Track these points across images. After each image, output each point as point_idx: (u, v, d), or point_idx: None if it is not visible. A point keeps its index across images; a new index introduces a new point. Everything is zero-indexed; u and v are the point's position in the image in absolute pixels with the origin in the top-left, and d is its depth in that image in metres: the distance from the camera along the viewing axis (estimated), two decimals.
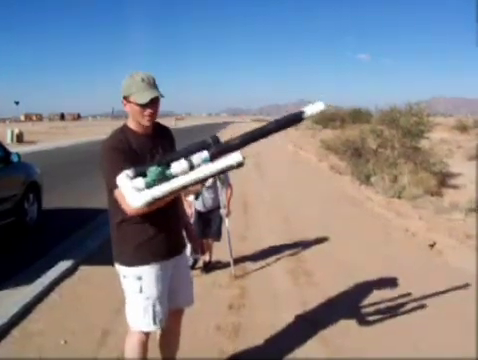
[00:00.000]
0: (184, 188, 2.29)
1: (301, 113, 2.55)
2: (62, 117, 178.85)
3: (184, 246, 3.07)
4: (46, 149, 26.31)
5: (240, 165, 2.31)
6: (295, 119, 2.56)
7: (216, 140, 2.40)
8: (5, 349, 3.82)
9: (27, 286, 5.07)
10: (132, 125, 2.73)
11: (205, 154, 2.32)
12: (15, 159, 7.50)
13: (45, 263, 5.82)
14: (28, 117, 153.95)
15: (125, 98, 2.66)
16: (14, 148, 10.70)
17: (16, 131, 33.27)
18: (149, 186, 2.25)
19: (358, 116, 44.55)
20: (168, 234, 2.81)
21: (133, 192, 2.25)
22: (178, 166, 2.30)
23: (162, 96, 2.66)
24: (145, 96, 2.58)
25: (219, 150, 2.35)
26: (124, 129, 2.74)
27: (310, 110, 2.57)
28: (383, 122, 20.05)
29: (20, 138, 32.92)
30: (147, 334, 2.88)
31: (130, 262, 2.76)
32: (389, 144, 18.52)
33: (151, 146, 2.72)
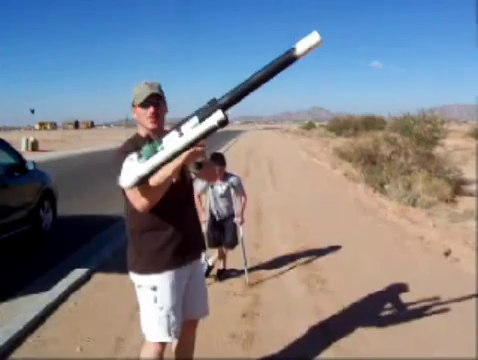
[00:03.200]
0: (171, 159, 2.18)
1: (292, 50, 2.08)
2: (76, 125, 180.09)
3: (201, 249, 3.07)
4: (60, 157, 26.52)
5: (223, 124, 2.13)
6: (287, 60, 2.09)
7: (212, 102, 2.18)
8: (21, 356, 3.85)
9: (42, 293, 5.12)
10: (142, 132, 2.78)
11: (195, 120, 2.16)
12: (30, 167, 7.58)
13: (60, 270, 5.86)
14: (42, 125, 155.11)
15: (133, 105, 2.74)
16: (29, 156, 10.77)
17: (31, 139, 33.62)
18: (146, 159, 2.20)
19: (371, 123, 44.47)
20: (184, 239, 2.80)
21: (124, 173, 2.23)
22: (169, 138, 2.20)
23: (161, 95, 2.71)
24: (143, 95, 2.64)
25: (209, 112, 2.16)
26: (135, 137, 2.80)
27: (303, 45, 2.07)
28: (396, 129, 19.94)
29: (35, 146, 33.25)
30: (163, 344, 2.86)
31: (144, 270, 2.76)
32: (403, 151, 18.42)
33: None
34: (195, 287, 2.99)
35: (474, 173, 18.89)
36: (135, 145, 2.66)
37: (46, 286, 5.30)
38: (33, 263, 6.45)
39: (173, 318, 2.79)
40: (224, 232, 5.59)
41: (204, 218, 5.46)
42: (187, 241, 2.82)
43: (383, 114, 45.92)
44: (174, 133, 2.18)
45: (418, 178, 15.14)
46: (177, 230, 2.74)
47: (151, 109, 2.66)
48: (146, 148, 2.21)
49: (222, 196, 5.49)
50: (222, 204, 5.53)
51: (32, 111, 65.11)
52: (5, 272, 6.11)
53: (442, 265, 6.38)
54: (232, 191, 5.51)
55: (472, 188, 17.66)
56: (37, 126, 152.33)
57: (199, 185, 5.26)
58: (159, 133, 2.68)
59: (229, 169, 5.66)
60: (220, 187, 5.46)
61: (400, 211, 10.54)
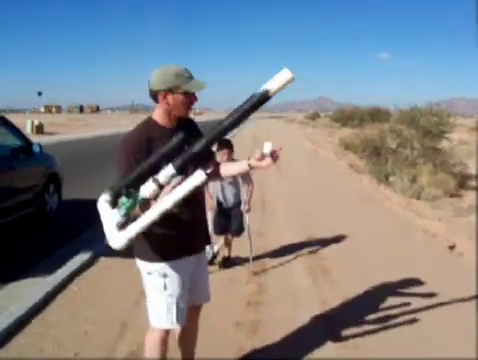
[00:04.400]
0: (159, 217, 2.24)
1: (266, 92, 2.14)
2: (81, 109, 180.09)
3: (208, 241, 3.08)
4: (66, 140, 26.54)
5: (205, 182, 2.20)
6: (260, 100, 2.16)
7: (181, 144, 2.26)
8: (25, 340, 3.85)
9: (47, 276, 5.12)
10: (158, 118, 2.68)
11: (171, 170, 2.21)
12: (37, 150, 7.56)
13: (64, 254, 5.87)
14: (48, 109, 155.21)
15: (168, 90, 2.57)
16: (34, 139, 10.72)
17: (36, 122, 33.61)
18: (125, 216, 2.28)
19: (377, 115, 44.29)
20: (194, 229, 2.81)
21: (111, 230, 2.28)
22: (147, 190, 2.24)
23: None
24: (198, 84, 2.60)
25: (183, 161, 2.22)
26: (149, 122, 2.71)
27: (275, 84, 2.14)
28: (403, 122, 19.84)
29: (40, 129, 33.25)
30: (168, 331, 2.87)
31: (155, 258, 2.73)
32: (408, 144, 18.33)
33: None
34: (200, 274, 3.00)
35: None
36: (148, 134, 2.62)
37: (50, 270, 5.30)
38: (37, 247, 6.45)
39: (182, 305, 2.79)
40: (230, 220, 5.58)
41: (211, 205, 5.45)
42: (197, 230, 2.84)
43: (388, 106, 45.77)
44: (149, 182, 2.24)
45: (423, 171, 15.09)
46: (188, 219, 2.73)
47: (195, 99, 2.65)
48: (124, 202, 2.27)
49: (230, 183, 5.47)
50: (229, 192, 5.51)
51: (39, 94, 65.17)
52: (9, 255, 6.12)
53: (447, 259, 6.36)
54: (239, 179, 5.49)
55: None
56: (42, 109, 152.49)
57: None
58: (176, 120, 2.70)
59: (234, 156, 5.63)
60: None
61: (405, 203, 10.51)
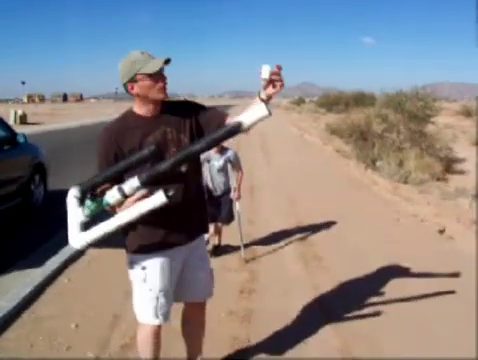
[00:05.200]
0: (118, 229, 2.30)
1: (239, 125, 2.15)
2: (65, 98, 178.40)
3: (203, 231, 2.90)
4: (50, 130, 26.25)
5: (165, 203, 2.18)
6: (232, 131, 2.16)
7: (154, 154, 2.22)
8: (16, 333, 3.78)
9: (35, 269, 5.04)
10: (137, 108, 2.58)
11: (136, 183, 2.20)
12: (21, 140, 7.44)
13: (53, 246, 5.77)
14: (31, 98, 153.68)
15: (131, 80, 2.49)
16: (17, 129, 10.52)
17: (19, 112, 33.19)
18: (89, 217, 2.31)
19: (362, 100, 44.42)
20: (181, 219, 2.62)
21: (73, 229, 2.29)
22: (111, 197, 2.25)
23: (169, 61, 2.48)
24: (155, 64, 2.43)
25: (149, 176, 2.19)
26: (127, 114, 2.62)
27: (250, 118, 2.14)
28: (388, 106, 19.90)
29: (23, 119, 32.85)
30: (159, 325, 2.73)
31: (135, 249, 2.64)
32: (395, 128, 18.40)
33: (155, 129, 2.54)
34: (193, 269, 2.84)
35: (465, 152, 18.99)
36: (125, 125, 2.55)
37: (39, 262, 5.22)
38: (24, 238, 6.37)
39: (162, 300, 2.66)
40: (220, 207, 5.52)
41: None
42: (187, 217, 2.65)
43: (373, 91, 45.91)
44: (115, 189, 2.24)
45: (410, 155, 15.16)
46: (172, 210, 2.44)
47: (163, 79, 2.49)
48: (89, 205, 2.28)
49: (219, 170, 5.40)
50: (219, 179, 5.45)
51: (23, 83, 64.41)
52: None
53: (437, 243, 6.37)
54: (229, 166, 5.43)
55: (463, 166, 17.74)
56: (25, 99, 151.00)
57: None
58: (157, 106, 2.57)
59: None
60: (217, 162, 5.37)
61: (392, 188, 10.54)
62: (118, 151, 2.51)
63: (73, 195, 2.31)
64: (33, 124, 31.90)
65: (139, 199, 2.26)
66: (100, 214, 2.35)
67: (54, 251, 5.53)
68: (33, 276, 4.81)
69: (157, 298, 2.65)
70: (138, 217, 2.24)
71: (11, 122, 30.71)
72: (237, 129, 2.15)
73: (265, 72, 2.17)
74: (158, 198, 2.17)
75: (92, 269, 5.17)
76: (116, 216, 2.28)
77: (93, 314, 4.13)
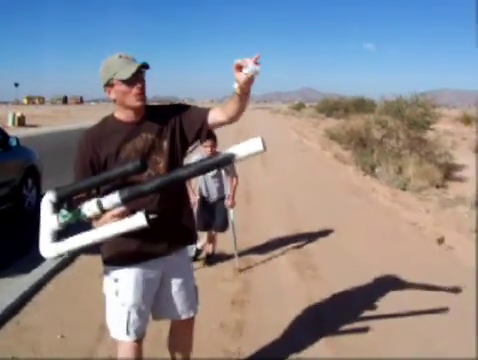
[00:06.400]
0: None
1: (232, 156, 2.06)
2: (65, 101, 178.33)
3: (185, 242, 2.71)
4: (47, 132, 26.16)
5: (145, 226, 2.08)
6: (224, 162, 2.11)
7: (138, 170, 2.11)
8: None
9: (23, 276, 4.92)
10: (117, 113, 2.46)
11: (116, 199, 2.09)
12: (13, 143, 7.35)
13: None
14: (31, 100, 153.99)
15: (107, 84, 2.38)
16: (15, 132, 10.39)
17: (18, 114, 33.14)
18: (63, 227, 2.18)
19: (361, 106, 44.45)
20: (158, 229, 2.30)
21: (44, 237, 2.17)
22: (89, 210, 2.14)
23: (146, 66, 2.36)
24: (128, 69, 2.30)
25: (131, 195, 2.10)
26: (107, 119, 2.51)
27: (244, 151, 2.06)
28: (388, 112, 19.81)
29: (21, 121, 32.78)
30: (138, 341, 2.57)
31: (108, 260, 2.53)
32: (394, 135, 18.30)
33: (135, 135, 2.42)
34: (173, 285, 2.65)
35: (465, 159, 18.87)
36: (104, 130, 2.44)
37: (26, 269, 5.08)
38: (14, 243, 6.22)
39: (134, 316, 2.50)
40: (214, 215, 5.39)
41: (194, 200, 5.24)
42: (159, 232, 2.38)
43: (373, 97, 46.05)
44: (93, 202, 2.13)
45: (409, 162, 15.05)
46: (154, 216, 2.22)
47: (138, 85, 2.34)
48: (65, 214, 2.16)
49: (213, 177, 5.27)
50: (213, 185, 5.32)
51: (16, 85, 64.39)
52: None
53: (436, 253, 6.24)
54: (223, 171, 5.31)
55: (462, 174, 17.63)
56: (25, 101, 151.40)
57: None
58: (139, 112, 2.44)
59: (218, 149, 5.44)
60: None
61: (391, 195, 10.42)
62: (94, 156, 2.39)
63: (49, 200, 2.18)
64: (31, 126, 31.78)
65: (118, 216, 2.14)
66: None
67: (43, 258, 5.37)
68: (19, 284, 4.68)
69: (129, 313, 2.49)
70: (115, 236, 2.13)
71: (9, 124, 30.65)
72: (229, 160, 2.08)
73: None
74: (138, 220, 2.07)
75: (81, 277, 5.02)
76: (92, 231, 2.16)
77: (80, 324, 4.00)
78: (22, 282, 4.72)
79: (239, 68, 2.13)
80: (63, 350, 3.60)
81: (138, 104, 2.38)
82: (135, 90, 2.35)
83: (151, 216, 2.09)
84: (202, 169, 2.12)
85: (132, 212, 2.14)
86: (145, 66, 2.35)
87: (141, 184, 2.14)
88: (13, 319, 4.04)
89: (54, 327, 3.93)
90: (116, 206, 2.12)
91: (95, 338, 3.77)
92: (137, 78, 2.34)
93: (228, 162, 2.09)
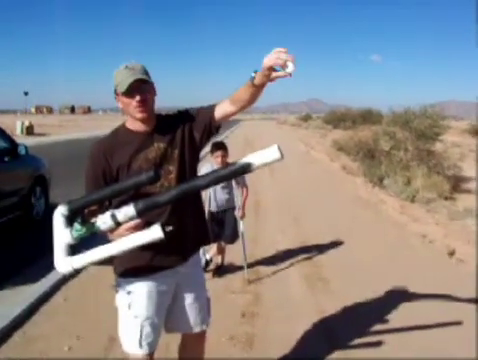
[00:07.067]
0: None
1: (248, 165, 2.02)
2: (72, 110, 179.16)
3: (198, 246, 2.69)
4: (56, 141, 26.25)
5: (161, 239, 2.04)
6: (240, 171, 2.05)
7: (152, 181, 2.07)
8: (4, 354, 3.61)
9: (32, 285, 4.89)
10: (129, 124, 2.44)
11: (131, 211, 2.05)
12: (22, 152, 7.33)
13: (50, 261, 5.59)
14: (39, 109, 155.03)
15: (116, 94, 2.38)
16: (23, 140, 10.39)
17: (26, 123, 33.41)
18: (77, 241, 2.13)
19: (369, 117, 44.42)
20: (172, 241, 2.22)
21: (59, 252, 2.15)
22: (103, 223, 2.09)
23: (147, 80, 2.33)
24: (126, 82, 2.27)
25: (146, 207, 2.06)
26: (118, 130, 2.48)
27: (261, 160, 2.03)
28: (396, 124, 19.73)
29: (30, 130, 33.03)
30: (150, 354, 2.51)
31: (121, 272, 2.48)
32: (402, 146, 18.21)
33: (148, 145, 2.39)
34: (186, 298, 2.62)
35: (473, 171, 18.75)
36: (116, 141, 2.41)
37: (35, 278, 5.05)
38: (22, 252, 6.19)
39: (148, 329, 2.45)
40: (224, 226, 5.35)
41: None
42: (173, 243, 2.31)
43: (380, 108, 46.05)
44: (107, 215, 2.08)
45: (417, 174, 14.96)
46: (171, 231, 2.17)
47: (137, 97, 2.30)
48: (78, 228, 2.10)
49: (223, 187, 5.23)
50: (223, 196, 5.28)
51: (26, 93, 64.78)
52: None
53: (447, 266, 6.16)
54: (233, 182, 5.27)
55: (470, 185, 17.52)
56: (33, 110, 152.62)
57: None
58: (149, 122, 2.40)
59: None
60: None
61: (400, 207, 10.34)
62: (106, 167, 2.36)
63: (61, 213, 2.14)
64: (39, 135, 31.95)
65: (133, 228, 2.10)
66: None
67: (51, 267, 5.34)
68: (29, 292, 4.66)
69: (142, 326, 2.45)
70: (131, 249, 2.10)
71: (18, 133, 30.87)
72: (245, 170, 2.03)
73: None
74: (155, 233, 2.03)
75: (90, 287, 4.98)
76: (109, 245, 2.12)
77: (88, 335, 3.95)
78: (30, 292, 4.69)
79: (273, 60, 2.05)
80: None
81: (139, 116, 2.34)
82: (134, 103, 2.31)
83: (167, 228, 2.05)
84: (219, 179, 2.07)
85: (147, 224, 2.10)
86: (137, 81, 2.29)
87: (156, 195, 2.10)
88: (21, 329, 4.00)
89: (62, 338, 3.89)
90: (131, 219, 2.08)
91: (103, 350, 3.73)
92: (137, 90, 2.30)
93: (245, 171, 2.04)
